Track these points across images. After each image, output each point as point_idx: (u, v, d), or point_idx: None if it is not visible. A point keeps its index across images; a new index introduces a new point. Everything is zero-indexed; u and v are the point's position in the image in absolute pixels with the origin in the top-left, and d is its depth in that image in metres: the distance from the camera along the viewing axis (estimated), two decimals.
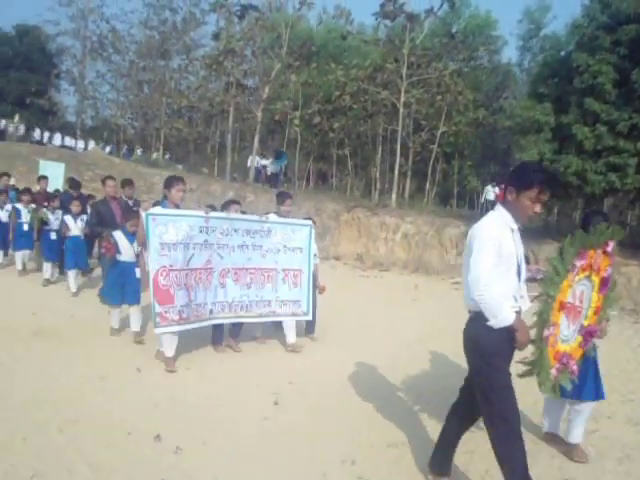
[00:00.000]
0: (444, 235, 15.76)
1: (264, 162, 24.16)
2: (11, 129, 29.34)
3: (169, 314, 5.30)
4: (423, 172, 23.72)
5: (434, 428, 4.39)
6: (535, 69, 16.15)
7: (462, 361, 3.37)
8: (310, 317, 6.58)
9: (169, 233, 5.28)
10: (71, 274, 8.60)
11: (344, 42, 22.28)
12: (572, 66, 12.47)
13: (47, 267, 9.22)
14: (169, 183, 5.59)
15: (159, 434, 3.90)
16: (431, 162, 21.74)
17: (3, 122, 28.64)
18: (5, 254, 10.44)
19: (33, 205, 9.83)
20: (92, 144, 32.15)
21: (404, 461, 3.86)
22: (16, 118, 30.59)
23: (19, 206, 9.90)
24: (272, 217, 6.29)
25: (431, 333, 8.12)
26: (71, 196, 9.65)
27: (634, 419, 4.93)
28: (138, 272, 6.35)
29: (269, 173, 23.72)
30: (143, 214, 5.34)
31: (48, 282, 9.17)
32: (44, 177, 11.37)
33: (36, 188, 11.11)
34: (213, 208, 10.12)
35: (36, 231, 9.64)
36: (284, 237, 6.23)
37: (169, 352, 5.40)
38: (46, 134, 30.60)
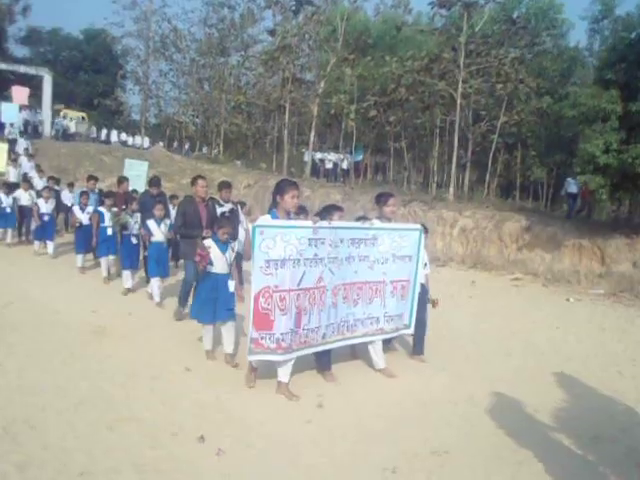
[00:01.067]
0: (503, 229, 15.28)
1: (321, 156, 24.17)
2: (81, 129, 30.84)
3: (265, 341, 4.70)
4: (484, 164, 23.05)
5: (480, 437, 4.28)
6: (602, 53, 15.26)
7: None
8: (412, 330, 5.90)
9: (277, 248, 4.59)
10: (154, 282, 8.13)
11: (399, 33, 21.88)
12: None
13: (127, 275, 8.72)
14: (281, 188, 4.83)
15: (202, 435, 3.98)
16: (491, 153, 21.04)
17: (69, 121, 29.93)
18: (91, 256, 10.43)
19: (115, 209, 9.27)
20: (147, 141, 33.19)
21: (444, 470, 3.77)
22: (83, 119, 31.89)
23: (102, 209, 9.48)
24: (376, 222, 5.56)
25: (487, 331, 7.94)
26: (151, 196, 9.04)
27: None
28: (232, 285, 5.74)
29: (327, 167, 23.71)
30: (250, 226, 4.81)
31: (128, 291, 8.69)
32: (125, 178, 10.73)
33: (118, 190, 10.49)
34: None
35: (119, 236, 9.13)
36: (392, 245, 5.55)
37: (284, 377, 4.89)
38: (113, 133, 31.83)
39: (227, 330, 5.71)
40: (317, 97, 22.15)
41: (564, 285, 13.09)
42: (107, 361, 5.47)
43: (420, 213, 17.01)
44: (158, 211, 8.09)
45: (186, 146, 35.72)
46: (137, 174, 13.38)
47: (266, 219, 4.74)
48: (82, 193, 10.86)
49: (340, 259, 5.12)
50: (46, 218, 11.81)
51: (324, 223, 4.96)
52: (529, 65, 21.96)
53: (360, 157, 24.02)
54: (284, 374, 4.88)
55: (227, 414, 4.43)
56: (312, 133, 22.67)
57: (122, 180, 10.57)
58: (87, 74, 40.77)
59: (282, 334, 4.72)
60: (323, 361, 5.41)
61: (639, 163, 11.27)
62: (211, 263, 5.60)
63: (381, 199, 5.77)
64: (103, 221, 9.38)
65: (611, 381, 5.94)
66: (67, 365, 5.27)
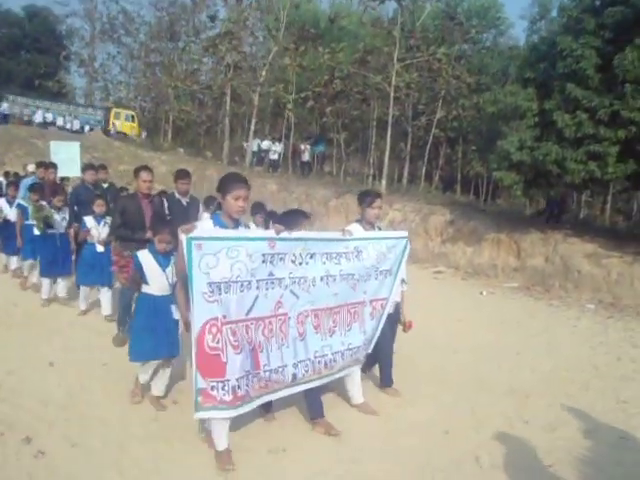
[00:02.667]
0: (429, 223, 15.55)
1: (266, 146, 23.83)
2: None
3: (217, 392, 3.51)
4: (425, 157, 23.36)
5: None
6: (523, 52, 15.65)
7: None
8: (369, 350, 4.75)
9: (220, 267, 3.46)
10: (83, 291, 6.97)
11: (337, 24, 21.90)
12: (557, 50, 12.04)
13: (46, 283, 7.30)
14: (224, 186, 3.67)
15: (28, 436, 3.89)
16: (428, 147, 21.36)
17: (5, 105, 28.93)
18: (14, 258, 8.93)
19: (43, 202, 7.42)
20: (87, 128, 32.33)
21: None
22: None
23: (24, 203, 8.01)
24: (355, 229, 4.60)
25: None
26: (88, 187, 7.71)
27: (554, 424, 4.73)
28: (175, 311, 4.46)
29: (271, 158, 23.45)
30: (183, 237, 3.39)
31: (48, 303, 7.32)
32: (52, 165, 9.04)
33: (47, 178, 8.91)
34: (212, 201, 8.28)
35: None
36: (378, 258, 4.51)
37: (220, 444, 3.67)
38: (38, 112, 30.83)
39: (163, 369, 4.58)
40: (258, 86, 21.95)
41: (483, 278, 13.41)
42: None
43: (352, 205, 17.12)
44: (98, 207, 6.77)
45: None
46: (68, 158, 10.97)
47: (205, 228, 3.55)
48: (10, 184, 9.63)
49: (310, 279, 4.02)
50: None
51: (288, 235, 3.80)
52: (470, 62, 22.33)
53: (321, 149, 23.83)
54: (220, 439, 3.69)
55: (74, 411, 4.32)
56: (253, 122, 22.48)
57: (48, 166, 9.01)
58: (28, 53, 39.29)
59: (238, 379, 3.58)
60: (314, 407, 4.31)
61: (549, 160, 11.58)
62: (146, 281, 4.45)
63: (365, 199, 4.78)
64: (27, 218, 7.83)
65: (488, 373, 6.04)
66: None
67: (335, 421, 4.31)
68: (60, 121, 31.52)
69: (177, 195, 6.43)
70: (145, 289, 4.46)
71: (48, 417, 4.20)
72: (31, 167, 12.80)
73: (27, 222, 7.86)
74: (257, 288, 3.70)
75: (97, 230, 6.74)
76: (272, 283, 3.79)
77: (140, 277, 4.45)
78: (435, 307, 9.28)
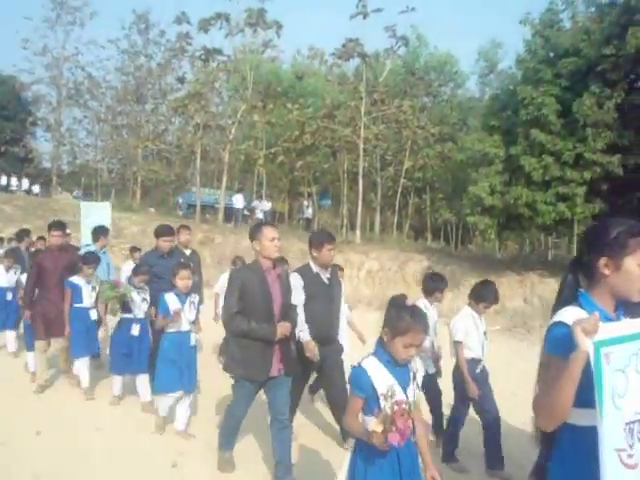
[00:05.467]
0: (407, 270, 15.67)
1: (253, 204, 23.41)
2: None
3: None
4: (395, 207, 23.83)
5: None
6: (487, 102, 16.41)
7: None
8: None
9: (632, 393, 1.88)
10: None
11: (304, 82, 22.68)
12: (518, 99, 12.65)
13: (118, 381, 5.94)
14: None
15: None
16: (397, 197, 21.82)
17: None
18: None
19: (110, 279, 6.60)
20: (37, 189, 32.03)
21: None
22: None
23: (77, 281, 6.21)
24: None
25: None
26: (162, 257, 6.27)
27: None
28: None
29: (257, 217, 23.14)
30: (588, 347, 1.81)
31: (118, 400, 5.91)
32: (102, 229, 7.57)
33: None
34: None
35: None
36: None
37: None
38: (13, 180, 30.57)
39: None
40: (228, 144, 22.29)
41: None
42: None
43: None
44: (182, 281, 4.96)
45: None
46: (99, 221, 9.01)
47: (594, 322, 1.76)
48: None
49: None
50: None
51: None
52: (431, 113, 23.24)
53: (328, 202, 23.84)
54: None
55: None
56: (224, 180, 22.66)
57: (99, 233, 7.40)
58: None
59: None
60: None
61: (520, 203, 11.95)
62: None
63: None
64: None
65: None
66: None
67: None
68: (25, 184, 31.22)
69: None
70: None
71: None
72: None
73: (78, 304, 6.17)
74: None
75: (184, 313, 4.97)
76: None
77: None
78: None
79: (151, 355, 5.57)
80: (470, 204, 13.19)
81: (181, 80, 24.11)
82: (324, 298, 4.75)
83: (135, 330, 5.63)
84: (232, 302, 3.96)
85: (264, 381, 4.02)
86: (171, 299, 4.97)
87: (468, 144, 13.64)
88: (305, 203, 23.29)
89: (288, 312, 4.14)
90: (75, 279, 6.18)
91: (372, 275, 16.27)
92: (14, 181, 30.65)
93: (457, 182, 24.92)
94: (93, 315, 6.22)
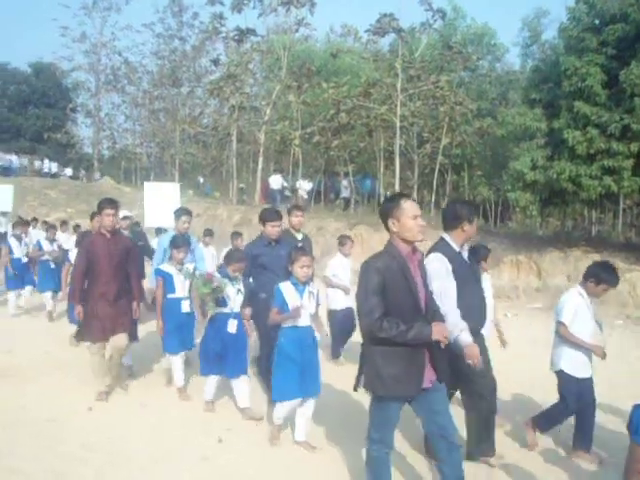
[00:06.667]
0: None
1: (298, 184, 23.18)
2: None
3: None
4: (432, 185, 23.48)
5: None
6: (528, 74, 15.89)
7: None
8: None
9: None
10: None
11: (339, 60, 22.42)
12: (561, 70, 12.21)
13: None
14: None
15: None
16: (435, 175, 21.48)
17: (14, 158, 29.50)
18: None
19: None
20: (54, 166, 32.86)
21: None
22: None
23: (168, 269, 5.69)
24: None
25: None
26: (270, 245, 5.52)
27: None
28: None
29: (305, 196, 23.05)
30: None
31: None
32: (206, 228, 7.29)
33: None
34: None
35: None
36: None
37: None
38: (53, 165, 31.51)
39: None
40: (264, 125, 22.32)
41: (505, 300, 13.23)
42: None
43: (365, 236, 17.12)
44: (302, 269, 4.31)
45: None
46: (163, 203, 8.23)
47: None
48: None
49: None
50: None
51: None
52: (469, 88, 22.66)
53: (368, 184, 23.38)
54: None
55: (115, 458, 4.23)
56: (260, 160, 22.76)
57: (180, 214, 6.46)
58: (36, 108, 40.31)
59: None
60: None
61: (564, 178, 11.61)
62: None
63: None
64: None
65: (528, 392, 6.01)
66: None
67: None
68: (69, 171, 32.07)
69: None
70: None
71: (95, 463, 4.12)
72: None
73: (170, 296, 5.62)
74: None
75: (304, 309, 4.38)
76: None
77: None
78: None
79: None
80: (511, 180, 12.89)
81: (215, 62, 24.21)
82: (473, 281, 3.98)
83: (232, 327, 4.92)
84: (374, 303, 3.09)
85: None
86: (288, 289, 4.31)
87: (508, 119, 13.27)
88: (344, 183, 23.07)
89: (434, 308, 3.39)
90: (165, 267, 5.65)
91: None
92: (50, 165, 31.52)
93: (496, 158, 24.35)
94: (185, 307, 5.56)
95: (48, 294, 9.27)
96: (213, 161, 34.07)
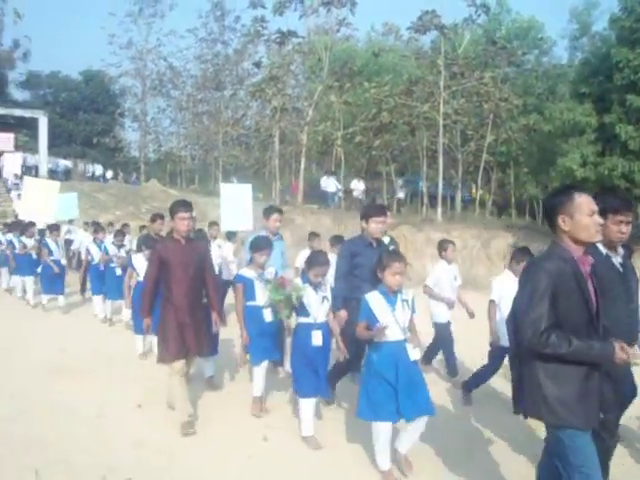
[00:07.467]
0: (491, 248, 15.20)
1: (353, 185, 23.13)
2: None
3: None
4: (476, 183, 23.09)
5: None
6: (577, 68, 15.38)
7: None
8: None
9: None
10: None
11: (380, 59, 22.29)
12: (612, 62, 11.78)
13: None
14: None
15: (131, 478, 3.91)
16: (479, 173, 21.09)
17: (65, 162, 30.62)
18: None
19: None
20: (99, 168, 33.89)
21: None
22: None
23: (249, 274, 5.18)
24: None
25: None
26: (366, 242, 5.10)
27: None
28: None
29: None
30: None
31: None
32: (274, 210, 6.26)
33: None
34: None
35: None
36: None
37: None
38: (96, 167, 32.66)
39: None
40: (306, 126, 22.43)
41: None
42: (51, 400, 5.43)
43: (409, 236, 16.97)
44: (394, 276, 3.86)
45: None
46: (239, 204, 7.94)
47: None
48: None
49: None
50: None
51: None
52: (515, 83, 22.15)
53: (421, 185, 23.15)
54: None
55: (163, 454, 4.33)
56: (302, 161, 22.88)
57: (270, 212, 6.11)
58: (86, 114, 41.84)
59: None
60: None
61: (616, 175, 11.20)
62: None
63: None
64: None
65: None
66: (10, 407, 5.25)
67: None
68: (110, 174, 33.19)
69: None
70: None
71: (144, 459, 4.22)
72: None
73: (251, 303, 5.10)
74: None
75: (397, 324, 3.85)
76: None
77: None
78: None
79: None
80: (560, 177, 12.52)
81: (257, 65, 24.46)
82: (621, 293, 3.33)
83: (316, 338, 4.39)
84: (541, 311, 2.60)
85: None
86: (376, 300, 3.83)
87: (556, 114, 12.88)
88: (399, 183, 22.84)
89: (604, 323, 2.81)
90: (245, 272, 5.15)
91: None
92: (93, 168, 32.69)
93: (544, 155, 23.70)
94: (267, 316, 5.00)
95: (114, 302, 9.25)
96: (256, 162, 34.41)
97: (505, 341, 4.81)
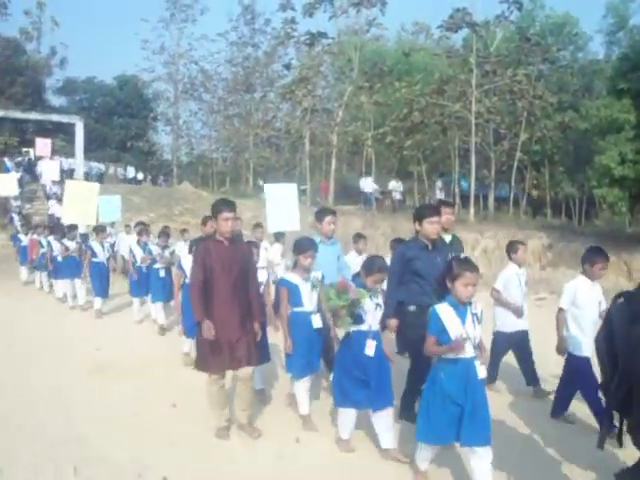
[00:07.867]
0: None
1: (391, 186, 23.21)
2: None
3: None
4: (510, 183, 22.72)
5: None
6: (615, 63, 14.98)
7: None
8: None
9: None
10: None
11: (411, 58, 22.15)
12: None
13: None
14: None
15: (165, 477, 3.95)
16: (513, 172, 20.73)
17: (98, 166, 31.35)
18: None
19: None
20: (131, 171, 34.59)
21: None
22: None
23: (292, 278, 4.84)
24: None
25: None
26: (426, 246, 4.78)
27: None
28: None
29: (396, 198, 22.97)
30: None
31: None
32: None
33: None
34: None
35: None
36: None
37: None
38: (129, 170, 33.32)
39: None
40: (336, 126, 22.45)
41: None
42: (90, 399, 5.54)
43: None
44: (466, 288, 3.43)
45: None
46: (284, 206, 7.76)
47: None
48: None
49: None
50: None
51: None
52: (549, 80, 21.72)
53: (466, 185, 22.83)
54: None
55: (197, 453, 4.37)
56: (333, 162, 22.91)
57: (324, 214, 5.62)
58: (121, 118, 42.80)
59: None
60: None
61: None
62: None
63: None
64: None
65: None
66: (49, 404, 5.38)
67: None
68: (140, 176, 33.87)
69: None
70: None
71: (178, 457, 4.26)
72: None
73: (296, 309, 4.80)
74: None
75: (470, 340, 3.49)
76: None
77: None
78: (545, 335, 8.78)
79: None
80: (597, 175, 12.21)
81: (287, 66, 24.64)
82: None
83: (370, 348, 4.09)
84: None
85: None
86: (447, 313, 3.46)
87: (593, 111, 12.59)
88: (438, 184, 22.61)
89: None
90: (289, 276, 4.85)
91: (488, 254, 15.65)
92: (125, 171, 33.41)
93: (580, 153, 23.15)
94: (316, 322, 4.72)
95: (159, 304, 8.85)
96: (286, 164, 34.58)
97: (582, 351, 4.71)
